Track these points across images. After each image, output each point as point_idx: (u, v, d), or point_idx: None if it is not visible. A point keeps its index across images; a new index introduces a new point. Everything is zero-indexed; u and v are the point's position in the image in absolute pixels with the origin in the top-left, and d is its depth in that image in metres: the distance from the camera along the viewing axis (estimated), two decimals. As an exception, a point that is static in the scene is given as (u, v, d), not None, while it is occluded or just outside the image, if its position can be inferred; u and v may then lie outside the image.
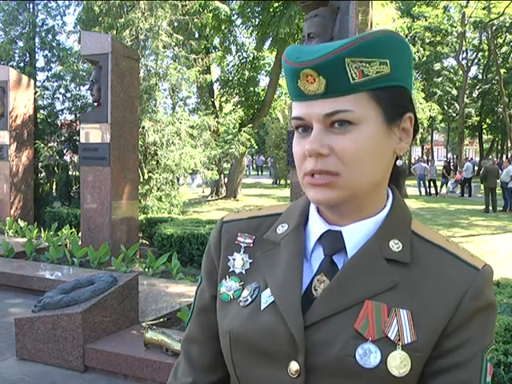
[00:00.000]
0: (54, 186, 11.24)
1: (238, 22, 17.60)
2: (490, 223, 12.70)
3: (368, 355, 0.68)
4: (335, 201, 0.73)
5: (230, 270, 0.83)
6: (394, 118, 0.73)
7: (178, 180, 12.00)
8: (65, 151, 11.46)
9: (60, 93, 11.57)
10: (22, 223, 8.38)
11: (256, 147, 28.55)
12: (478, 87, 35.27)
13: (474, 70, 36.46)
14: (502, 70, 29.93)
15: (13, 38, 11.39)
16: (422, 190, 20.73)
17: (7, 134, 8.92)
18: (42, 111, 11.28)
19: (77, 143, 10.17)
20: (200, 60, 11.89)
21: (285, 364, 0.72)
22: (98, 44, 6.52)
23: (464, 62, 33.15)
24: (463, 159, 29.34)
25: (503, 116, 29.41)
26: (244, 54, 18.64)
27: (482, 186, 16.40)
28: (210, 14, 14.49)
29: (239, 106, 17.72)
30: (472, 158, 37.86)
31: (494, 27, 28.51)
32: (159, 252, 6.77)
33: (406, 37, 22.43)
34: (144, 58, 10.33)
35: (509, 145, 36.35)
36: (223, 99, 18.93)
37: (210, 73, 15.88)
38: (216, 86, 18.89)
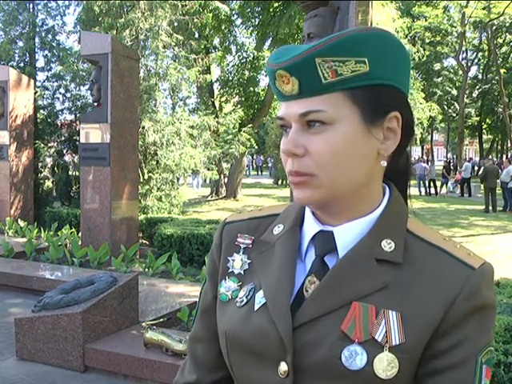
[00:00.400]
0: (54, 186, 11.25)
1: (238, 22, 17.60)
2: (489, 223, 12.70)
3: (354, 357, 0.68)
4: (315, 201, 0.73)
5: (230, 270, 0.83)
6: (374, 117, 0.71)
7: (177, 180, 12.00)
8: (65, 151, 11.46)
9: (60, 93, 11.58)
10: (21, 223, 8.38)
11: (256, 147, 28.56)
12: (477, 87, 35.29)
13: (473, 70, 36.55)
14: (502, 70, 29.94)
15: (13, 38, 11.39)
16: (422, 189, 20.74)
17: (7, 134, 8.92)
18: (42, 111, 11.28)
19: (77, 143, 10.17)
20: (200, 60, 11.89)
21: (275, 364, 0.72)
22: (98, 44, 6.52)
23: (464, 62, 33.18)
24: (463, 159, 29.33)
25: (503, 116, 29.42)
26: (244, 54, 18.62)
27: (482, 185, 16.40)
28: (210, 14, 14.48)
29: (239, 106, 17.71)
30: (472, 158, 37.84)
31: (494, 27, 28.53)
32: (159, 252, 6.77)
33: (406, 37, 22.39)
34: (144, 58, 10.33)
35: (509, 145, 36.35)
36: (223, 99, 18.92)
37: (209, 73, 15.87)
38: (216, 86, 18.88)
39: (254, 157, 42.96)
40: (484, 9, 27.00)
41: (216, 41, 17.99)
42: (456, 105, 34.44)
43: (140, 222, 7.76)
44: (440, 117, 35.72)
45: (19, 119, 9.19)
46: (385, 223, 0.76)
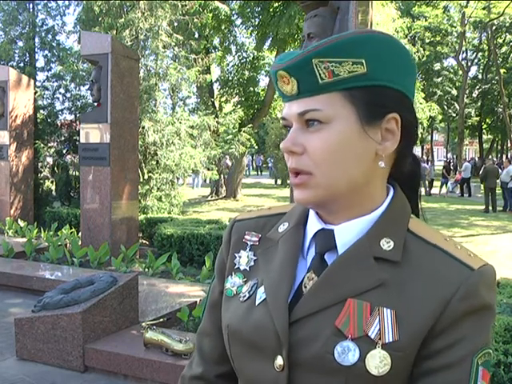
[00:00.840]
0: (54, 187, 11.25)
1: (238, 22, 17.59)
2: (489, 223, 12.70)
3: (346, 353, 0.68)
4: (313, 201, 0.75)
5: (236, 266, 0.86)
6: (371, 117, 0.72)
7: (177, 180, 12.00)
8: (65, 151, 11.46)
9: (60, 93, 11.57)
10: (21, 223, 8.38)
11: (256, 147, 28.55)
12: (477, 87, 35.28)
13: (473, 70, 36.52)
14: (502, 70, 29.93)
15: (13, 38, 11.39)
16: (422, 189, 20.68)
17: (7, 134, 8.92)
18: (41, 111, 11.28)
19: (77, 143, 10.16)
20: (200, 60, 11.88)
21: (272, 358, 0.74)
22: (98, 44, 6.52)
23: (464, 62, 33.17)
24: (463, 159, 29.34)
25: (503, 116, 29.42)
26: (244, 54, 18.61)
27: (482, 185, 16.40)
28: (210, 14, 14.48)
29: (239, 106, 17.69)
30: (472, 159, 37.85)
31: (494, 27, 28.53)
32: (159, 252, 6.77)
33: (406, 37, 22.40)
34: (144, 58, 10.33)
35: (509, 145, 36.35)
36: (223, 99, 18.91)
37: (209, 73, 15.87)
38: (216, 86, 18.87)
39: (254, 157, 42.97)
40: (484, 9, 27.01)
41: (216, 41, 17.99)
42: (456, 105, 34.44)
43: (140, 221, 7.76)
44: (440, 117, 35.74)
45: (19, 119, 9.19)
46: (385, 222, 0.76)
